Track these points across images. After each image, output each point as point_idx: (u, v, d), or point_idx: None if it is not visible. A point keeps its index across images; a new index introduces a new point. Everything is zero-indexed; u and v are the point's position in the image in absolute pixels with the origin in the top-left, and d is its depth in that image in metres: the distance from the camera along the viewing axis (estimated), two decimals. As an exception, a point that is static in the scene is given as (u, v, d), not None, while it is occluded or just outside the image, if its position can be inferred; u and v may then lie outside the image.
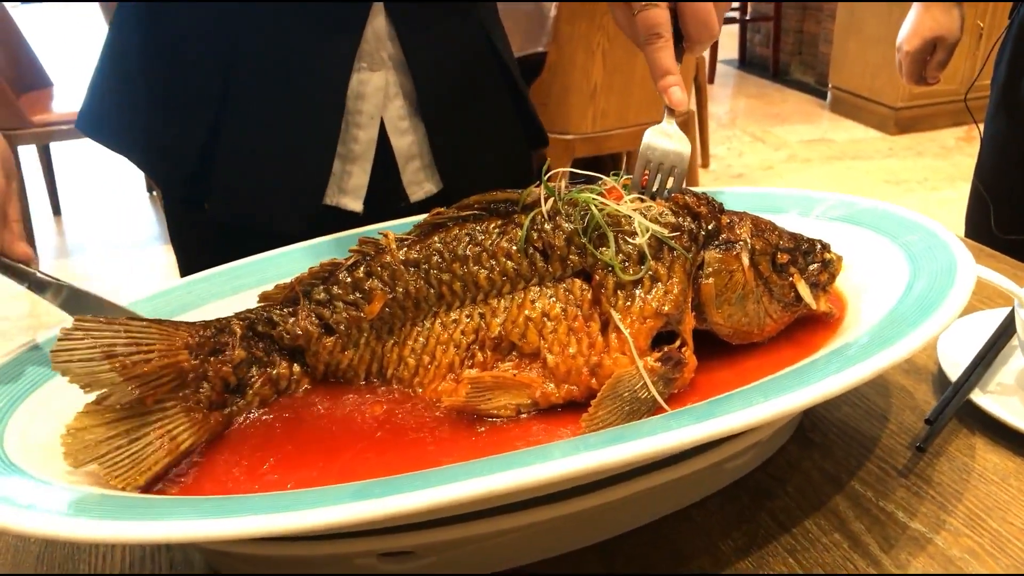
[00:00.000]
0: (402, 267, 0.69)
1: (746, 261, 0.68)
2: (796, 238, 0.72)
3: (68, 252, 3.55)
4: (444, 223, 0.71)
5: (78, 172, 4.34)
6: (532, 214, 0.69)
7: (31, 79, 3.55)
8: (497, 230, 0.70)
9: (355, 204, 0.92)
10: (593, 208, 0.68)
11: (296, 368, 0.67)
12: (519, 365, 0.66)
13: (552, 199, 0.69)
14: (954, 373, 0.74)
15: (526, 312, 0.67)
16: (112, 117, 0.90)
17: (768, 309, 0.69)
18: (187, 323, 0.64)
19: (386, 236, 0.71)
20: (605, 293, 0.66)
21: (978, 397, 0.72)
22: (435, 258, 0.69)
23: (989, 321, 0.81)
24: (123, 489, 0.55)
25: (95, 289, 0.69)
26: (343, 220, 0.90)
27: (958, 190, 3.81)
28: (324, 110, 0.86)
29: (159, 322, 0.62)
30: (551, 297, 0.67)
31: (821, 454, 0.69)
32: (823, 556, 0.59)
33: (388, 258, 0.69)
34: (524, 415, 0.65)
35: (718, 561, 0.59)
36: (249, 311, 0.68)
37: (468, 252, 0.69)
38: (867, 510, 0.63)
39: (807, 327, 0.72)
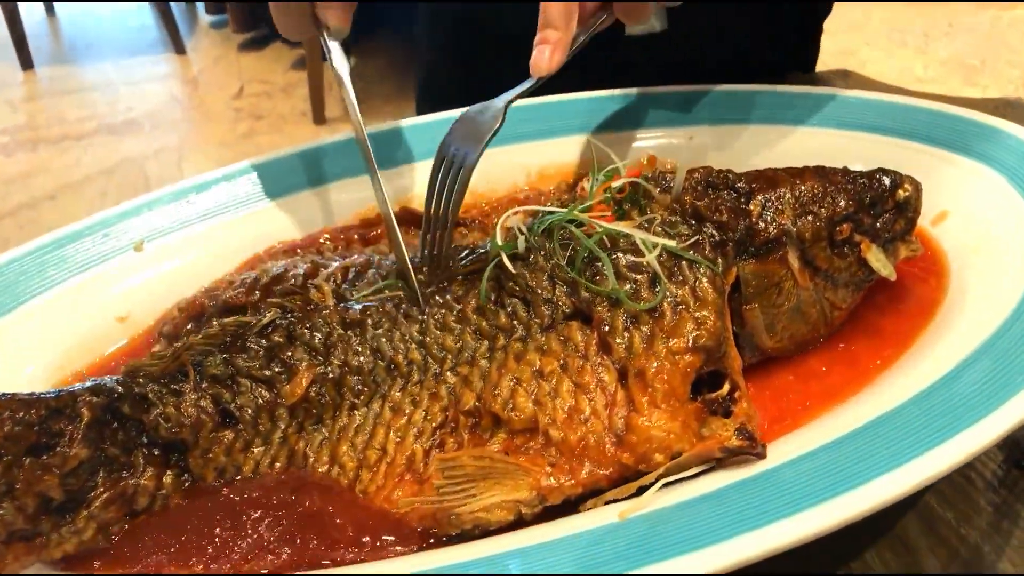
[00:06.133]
0: (339, 328, 0.50)
1: (795, 263, 0.52)
2: (855, 187, 0.54)
3: (66, 59, 3.09)
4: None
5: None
6: (493, 259, 0.53)
7: None
8: (461, 289, 0.52)
9: None
10: (575, 231, 0.52)
11: (168, 477, 0.44)
12: (510, 446, 0.46)
13: (521, 236, 0.53)
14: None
15: (513, 374, 0.48)
16: None
17: (834, 300, 0.54)
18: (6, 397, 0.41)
19: (319, 289, 0.52)
20: (612, 333, 0.48)
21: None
22: (384, 322, 0.50)
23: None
24: None
25: (100, 100, 0.44)
26: None
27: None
28: None
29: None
30: (542, 349, 0.49)
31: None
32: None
33: (319, 318, 0.50)
34: (527, 516, 0.43)
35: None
36: (110, 383, 0.45)
37: (429, 315, 0.51)
38: (944, 539, 0.46)
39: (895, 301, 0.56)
